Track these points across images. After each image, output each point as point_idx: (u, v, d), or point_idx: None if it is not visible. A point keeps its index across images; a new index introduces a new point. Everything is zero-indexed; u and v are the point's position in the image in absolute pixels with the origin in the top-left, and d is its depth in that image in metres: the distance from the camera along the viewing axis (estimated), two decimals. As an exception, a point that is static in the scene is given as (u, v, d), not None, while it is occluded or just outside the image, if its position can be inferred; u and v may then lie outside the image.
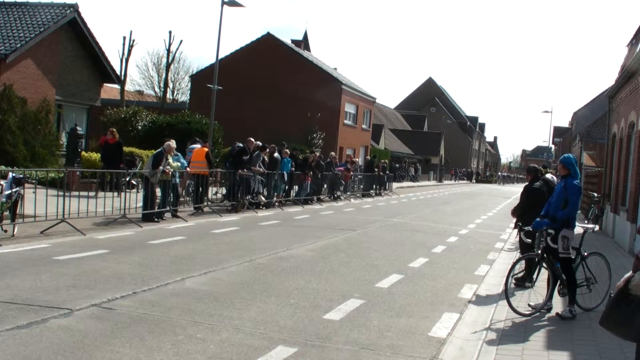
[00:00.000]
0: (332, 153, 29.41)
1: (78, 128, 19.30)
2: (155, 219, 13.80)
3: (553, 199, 7.86)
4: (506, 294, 7.60)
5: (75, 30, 24.00)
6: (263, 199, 19.12)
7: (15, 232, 10.71)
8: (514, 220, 10.03)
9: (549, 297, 7.71)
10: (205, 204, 16.95)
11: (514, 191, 49.07)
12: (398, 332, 6.52)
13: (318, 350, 5.69)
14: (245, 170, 17.65)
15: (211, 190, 19.62)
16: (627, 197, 15.68)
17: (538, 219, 7.81)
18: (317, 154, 25.48)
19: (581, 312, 7.69)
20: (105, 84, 28.45)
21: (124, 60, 43.21)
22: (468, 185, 69.25)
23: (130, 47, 43.41)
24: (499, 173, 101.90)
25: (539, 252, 7.82)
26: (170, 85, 53.46)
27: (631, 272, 4.42)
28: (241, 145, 19.34)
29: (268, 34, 44.48)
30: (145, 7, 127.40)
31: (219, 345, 5.58)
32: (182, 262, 9.27)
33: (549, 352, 6.09)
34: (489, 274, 10.48)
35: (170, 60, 48.63)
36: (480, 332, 6.75)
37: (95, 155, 20.71)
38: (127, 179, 16.51)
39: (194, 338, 5.73)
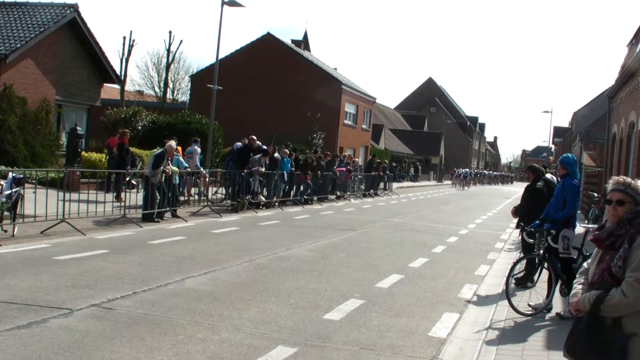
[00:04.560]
0: (330, 153, 29.37)
1: (78, 128, 19.29)
2: (156, 219, 13.80)
3: (553, 199, 7.87)
4: (507, 294, 7.60)
5: (75, 31, 23.98)
6: (263, 199, 19.13)
7: (15, 232, 10.71)
8: (515, 220, 10.02)
9: (550, 297, 7.71)
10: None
11: (514, 191, 49.08)
12: (398, 332, 6.52)
13: (318, 350, 5.68)
14: (250, 166, 17.77)
15: (211, 190, 19.64)
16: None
17: (537, 222, 7.82)
18: (318, 154, 25.43)
19: (581, 312, 7.67)
20: (105, 84, 28.43)
21: (124, 60, 43.22)
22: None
23: (130, 47, 43.44)
24: (460, 170, 57.97)
25: (541, 252, 7.83)
26: (171, 85, 53.50)
27: (591, 290, 3.54)
28: (240, 144, 19.38)
29: (268, 34, 44.46)
30: (145, 7, 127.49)
31: (219, 345, 5.58)
32: (182, 262, 9.27)
33: (549, 352, 6.09)
34: (489, 274, 10.47)
35: (170, 60, 48.66)
36: (480, 332, 6.75)
37: (96, 155, 20.73)
38: (127, 179, 16.50)
39: (194, 338, 5.73)
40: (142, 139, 26.13)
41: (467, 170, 61.34)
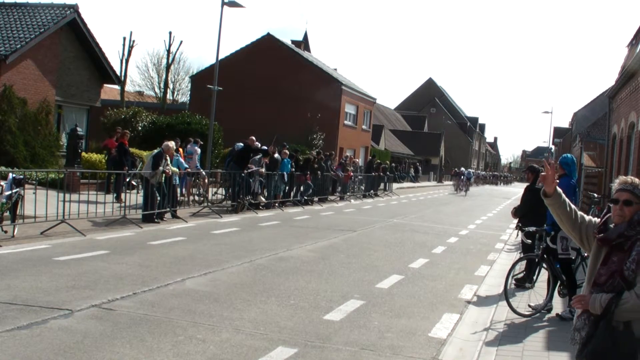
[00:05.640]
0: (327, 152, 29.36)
1: (78, 129, 19.26)
2: (156, 220, 13.80)
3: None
4: (506, 295, 7.61)
5: (75, 31, 23.97)
6: (263, 199, 19.13)
7: (15, 233, 10.71)
8: (515, 221, 10.03)
9: (549, 297, 7.72)
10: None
11: (514, 192, 49.08)
12: (398, 332, 6.52)
13: (318, 351, 5.69)
14: (251, 165, 17.79)
15: (211, 191, 19.63)
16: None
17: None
18: (318, 154, 25.43)
19: (581, 313, 7.68)
20: (105, 85, 28.42)
21: (124, 61, 43.31)
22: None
23: (130, 47, 43.53)
24: (463, 170, 48.43)
25: (539, 252, 7.84)
26: (171, 85, 53.50)
27: (595, 290, 3.45)
28: (241, 144, 19.38)
29: (268, 34, 44.46)
30: (145, 7, 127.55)
31: (219, 346, 5.58)
32: (182, 263, 9.27)
33: (549, 352, 6.10)
34: (489, 274, 10.48)
35: (170, 61, 48.73)
36: (480, 333, 6.76)
37: (96, 156, 20.72)
38: (127, 179, 16.49)
39: (194, 339, 5.73)
40: (142, 139, 26.12)
41: (471, 170, 57.17)
